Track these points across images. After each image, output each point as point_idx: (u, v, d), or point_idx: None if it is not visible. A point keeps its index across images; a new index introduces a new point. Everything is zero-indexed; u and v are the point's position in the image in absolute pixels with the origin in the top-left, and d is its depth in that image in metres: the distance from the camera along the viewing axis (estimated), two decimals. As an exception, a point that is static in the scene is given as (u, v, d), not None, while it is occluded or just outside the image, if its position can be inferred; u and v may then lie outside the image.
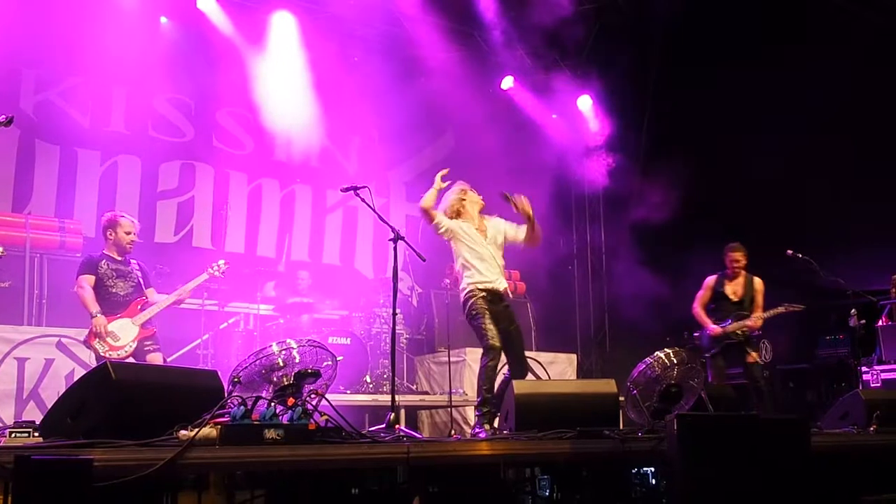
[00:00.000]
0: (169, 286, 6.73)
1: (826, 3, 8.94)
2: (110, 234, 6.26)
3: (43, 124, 8.77)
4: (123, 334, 5.99)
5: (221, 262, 6.58)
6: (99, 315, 5.93)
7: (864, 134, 9.31)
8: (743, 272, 7.84)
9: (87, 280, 6.08)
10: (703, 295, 7.98)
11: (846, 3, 8.95)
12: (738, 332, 7.62)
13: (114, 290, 6.12)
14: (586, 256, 11.85)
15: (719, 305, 7.87)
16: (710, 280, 7.98)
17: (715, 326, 7.72)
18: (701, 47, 9.74)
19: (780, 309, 7.71)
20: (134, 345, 6.00)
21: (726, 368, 7.74)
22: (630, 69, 10.60)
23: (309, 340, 4.31)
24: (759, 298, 7.79)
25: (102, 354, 5.88)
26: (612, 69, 10.73)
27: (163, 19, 9.41)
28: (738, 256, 7.82)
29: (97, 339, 5.90)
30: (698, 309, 7.93)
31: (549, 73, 11.05)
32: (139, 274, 6.27)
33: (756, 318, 7.62)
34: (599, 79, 11.16)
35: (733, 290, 7.84)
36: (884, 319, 9.04)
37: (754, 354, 7.63)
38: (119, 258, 6.24)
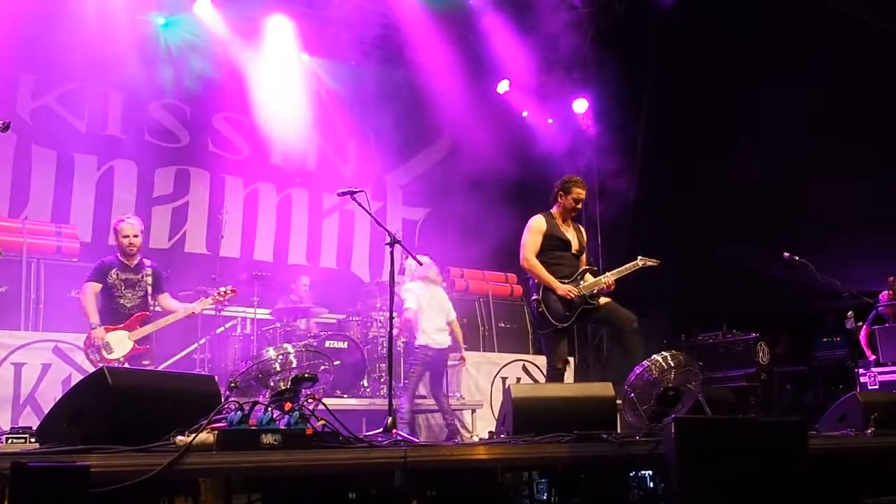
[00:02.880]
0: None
1: (825, 5, 8.96)
2: (115, 240, 6.38)
3: (40, 129, 8.78)
4: (117, 347, 6.04)
5: (229, 288, 6.58)
6: (98, 327, 6.01)
7: (861, 136, 9.33)
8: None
9: (92, 288, 6.17)
10: (533, 241, 5.89)
11: (845, 6, 8.96)
12: (597, 293, 5.86)
13: (121, 301, 6.20)
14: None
15: (556, 258, 5.93)
16: (541, 222, 5.95)
17: (569, 287, 5.82)
18: (697, 49, 9.77)
19: (638, 263, 6.03)
20: (124, 360, 6.02)
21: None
22: (627, 72, 10.62)
23: (306, 345, 4.32)
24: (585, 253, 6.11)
25: (94, 364, 5.92)
26: (609, 72, 10.75)
27: (159, 23, 9.41)
28: (585, 194, 5.99)
29: (92, 349, 5.98)
30: (535, 262, 5.87)
31: (545, 76, 11.05)
32: (149, 281, 6.30)
33: (611, 276, 5.88)
34: (596, 82, 11.17)
35: (572, 237, 5.98)
36: (865, 328, 9.03)
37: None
38: (130, 264, 6.29)
